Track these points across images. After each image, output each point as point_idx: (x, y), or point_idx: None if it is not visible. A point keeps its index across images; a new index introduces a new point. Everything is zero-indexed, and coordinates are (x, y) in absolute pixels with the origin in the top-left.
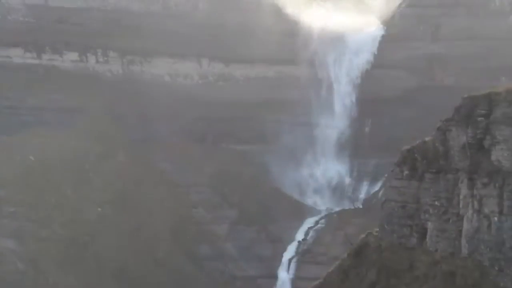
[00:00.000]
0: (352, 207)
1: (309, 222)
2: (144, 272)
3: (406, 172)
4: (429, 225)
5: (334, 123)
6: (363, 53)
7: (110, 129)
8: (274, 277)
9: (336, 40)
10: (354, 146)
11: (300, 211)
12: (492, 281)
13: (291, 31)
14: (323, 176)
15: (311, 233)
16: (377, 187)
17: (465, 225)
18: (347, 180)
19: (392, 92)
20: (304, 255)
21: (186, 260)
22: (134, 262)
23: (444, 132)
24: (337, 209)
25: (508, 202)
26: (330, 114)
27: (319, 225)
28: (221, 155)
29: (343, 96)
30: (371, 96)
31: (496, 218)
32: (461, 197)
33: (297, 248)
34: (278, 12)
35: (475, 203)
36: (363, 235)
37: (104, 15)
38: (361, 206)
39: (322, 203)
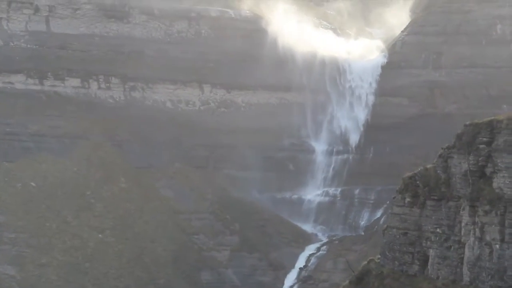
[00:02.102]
0: (354, 234)
1: (311, 248)
2: None
3: (407, 199)
4: (431, 252)
5: (336, 149)
6: (366, 80)
7: (112, 155)
8: None
9: (339, 67)
10: (356, 173)
11: (301, 238)
12: None
13: (293, 58)
14: (322, 201)
15: (312, 260)
16: (378, 214)
17: (467, 253)
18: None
19: (394, 120)
20: (305, 282)
21: (187, 287)
22: None
23: (445, 159)
24: (338, 235)
25: (509, 230)
26: (332, 140)
27: (320, 252)
28: (222, 181)
29: (345, 123)
30: (373, 123)
31: (497, 246)
32: (462, 224)
33: (299, 274)
34: (281, 39)
35: (477, 230)
36: (364, 262)
37: (106, 41)
38: (362, 233)
39: (323, 230)
